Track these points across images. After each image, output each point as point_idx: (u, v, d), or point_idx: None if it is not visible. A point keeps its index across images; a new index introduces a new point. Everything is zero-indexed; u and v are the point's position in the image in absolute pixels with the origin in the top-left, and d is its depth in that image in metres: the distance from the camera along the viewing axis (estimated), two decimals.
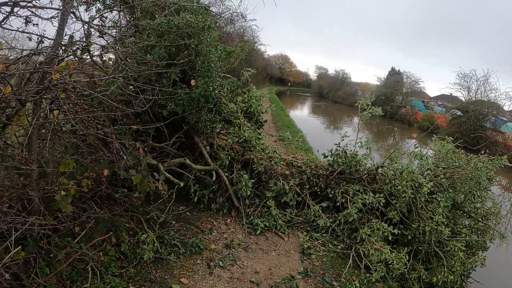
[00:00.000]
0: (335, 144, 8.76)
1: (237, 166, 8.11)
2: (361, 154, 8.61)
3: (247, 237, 7.53)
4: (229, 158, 7.99)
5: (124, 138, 6.48)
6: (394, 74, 64.61)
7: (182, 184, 6.79)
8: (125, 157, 5.76)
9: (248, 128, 8.31)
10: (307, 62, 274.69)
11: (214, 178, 7.67)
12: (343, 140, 8.75)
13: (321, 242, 7.75)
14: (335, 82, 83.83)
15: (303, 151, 15.12)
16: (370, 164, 8.65)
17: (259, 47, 51.34)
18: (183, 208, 7.99)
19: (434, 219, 7.52)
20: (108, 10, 8.26)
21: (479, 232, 8.67)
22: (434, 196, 7.91)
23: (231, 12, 21.12)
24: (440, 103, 61.23)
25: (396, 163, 8.24)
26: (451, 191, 8.05)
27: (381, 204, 7.75)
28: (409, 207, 7.91)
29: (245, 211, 8.04)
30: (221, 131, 8.37)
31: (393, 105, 49.89)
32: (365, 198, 7.72)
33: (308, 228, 8.12)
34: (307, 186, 8.46)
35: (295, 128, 24.25)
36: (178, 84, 7.37)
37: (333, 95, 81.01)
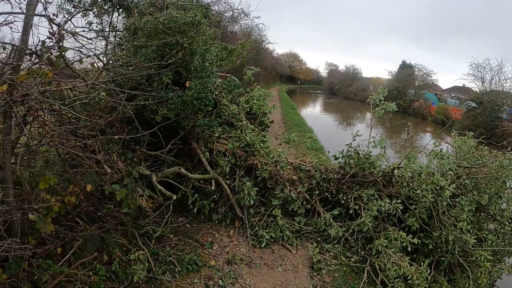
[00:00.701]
0: (346, 144, 8.05)
1: (240, 173, 7.48)
2: (375, 155, 7.88)
3: (251, 251, 6.89)
4: (230, 164, 7.38)
5: (113, 148, 5.92)
6: (405, 68, 63.30)
7: (175, 197, 6.14)
8: (109, 169, 5.18)
9: (251, 131, 7.66)
10: (317, 60, 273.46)
11: (213, 187, 7.04)
12: (354, 139, 8.02)
13: (332, 255, 7.05)
14: (345, 78, 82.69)
15: (314, 152, 14.48)
16: (385, 165, 7.91)
17: (267, 45, 50.88)
18: (183, 220, 7.42)
19: (458, 226, 6.79)
20: (104, 13, 7.78)
21: (506, 237, 7.89)
22: (456, 199, 7.14)
23: (232, 9, 20.58)
24: (453, 95, 59.98)
25: (413, 163, 7.47)
26: (475, 193, 7.30)
27: (399, 211, 7.01)
28: (429, 213, 7.15)
29: (250, 221, 7.41)
30: (222, 135, 7.75)
31: (406, 99, 48.60)
32: (380, 205, 6.97)
33: (319, 239, 7.44)
34: (316, 192, 7.75)
35: (305, 127, 23.46)
36: (170, 87, 6.77)
37: (344, 91, 79.97)
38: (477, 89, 38.86)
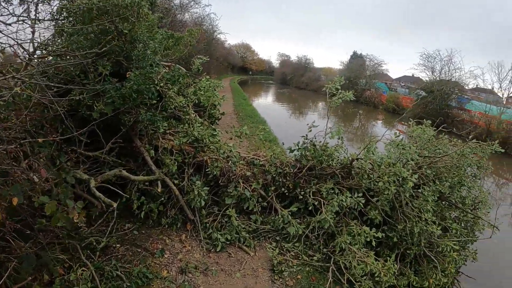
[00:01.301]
0: (302, 136, 7.61)
1: (189, 171, 6.86)
2: (333, 146, 7.49)
3: (206, 256, 6.31)
4: (178, 162, 6.74)
5: (43, 152, 5.18)
6: (356, 58, 64.28)
7: (115, 205, 5.36)
8: (36, 178, 4.46)
9: (200, 125, 7.06)
10: (271, 50, 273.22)
11: (160, 189, 6.39)
12: (310, 130, 7.58)
13: (293, 254, 6.60)
14: (298, 68, 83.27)
15: (268, 143, 14.01)
16: (344, 156, 7.57)
17: (218, 36, 50.08)
18: (130, 226, 6.69)
19: (422, 218, 6.54)
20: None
21: (469, 224, 7.76)
22: (419, 190, 6.89)
23: None
24: (403, 84, 61.66)
25: (373, 154, 7.13)
26: (437, 183, 7.09)
27: (361, 205, 6.67)
28: (391, 205, 6.85)
29: (202, 223, 6.84)
30: (168, 131, 7.11)
31: (358, 89, 49.31)
32: (341, 200, 6.57)
33: (278, 238, 6.97)
34: (272, 188, 7.26)
35: (258, 118, 23.00)
36: (107, 78, 6.08)
37: (296, 81, 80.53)
38: (427, 79, 39.98)
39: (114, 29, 6.24)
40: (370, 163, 7.00)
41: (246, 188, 6.95)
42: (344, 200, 6.52)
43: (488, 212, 7.79)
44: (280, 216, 6.94)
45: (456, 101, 35.99)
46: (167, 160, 6.54)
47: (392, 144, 7.17)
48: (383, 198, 6.73)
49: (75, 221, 4.35)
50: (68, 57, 6.27)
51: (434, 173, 7.26)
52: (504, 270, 9.18)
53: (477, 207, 7.81)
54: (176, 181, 6.73)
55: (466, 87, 37.90)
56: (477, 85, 38.46)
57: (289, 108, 44.78)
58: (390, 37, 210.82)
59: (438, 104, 34.35)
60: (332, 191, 6.89)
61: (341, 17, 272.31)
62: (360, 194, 6.65)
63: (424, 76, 41.06)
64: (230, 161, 7.09)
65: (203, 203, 6.55)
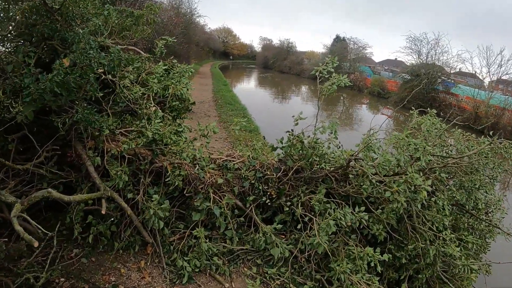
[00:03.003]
0: (287, 132, 6.15)
1: (145, 181, 5.40)
2: (324, 142, 6.07)
3: None
4: (129, 171, 5.28)
5: None
6: (340, 41, 62.75)
7: (36, 244, 3.90)
8: None
9: (160, 121, 5.55)
10: (251, 35, 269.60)
11: (103, 210, 4.87)
12: (297, 123, 6.00)
13: (279, 284, 5.22)
14: (280, 52, 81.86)
15: (246, 139, 12.56)
16: (338, 155, 6.17)
17: (197, 19, 48.21)
18: (77, 252, 5.23)
19: (438, 236, 5.25)
20: None
21: (482, 234, 6.48)
22: (431, 198, 5.58)
23: None
24: (386, 67, 60.90)
25: (374, 152, 5.73)
26: (453, 189, 5.79)
27: (364, 221, 5.27)
28: (398, 216, 5.56)
29: (166, 245, 5.45)
30: (120, 130, 5.62)
31: (341, 72, 47.71)
32: (340, 219, 5.12)
33: (259, 261, 5.57)
34: (251, 198, 5.84)
35: (238, 105, 21.49)
36: (27, 69, 4.55)
37: (279, 65, 79.22)
38: (413, 62, 38.95)
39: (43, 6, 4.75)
40: (373, 166, 5.57)
41: (217, 200, 5.51)
42: (343, 218, 5.08)
43: (503, 218, 6.55)
44: (261, 234, 5.53)
45: (443, 85, 35.02)
46: (112, 171, 5.03)
47: (395, 138, 5.71)
48: (389, 210, 5.39)
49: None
50: None
51: (448, 177, 5.94)
52: None
53: (489, 211, 6.56)
54: (130, 195, 5.27)
55: (450, 71, 36.94)
56: (460, 69, 37.66)
57: (272, 93, 43.24)
58: (370, 22, 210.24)
59: (425, 88, 33.30)
60: (327, 204, 5.48)
61: (323, 1, 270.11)
62: (363, 209, 5.24)
63: (410, 59, 39.85)
64: (198, 166, 5.63)
65: (161, 224, 5.10)
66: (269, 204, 5.88)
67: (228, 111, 18.52)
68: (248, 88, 45.57)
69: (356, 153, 5.84)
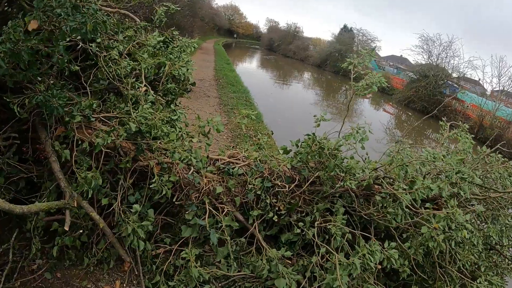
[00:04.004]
0: (307, 135, 5.02)
1: (126, 184, 4.29)
2: (346, 152, 4.92)
3: None
4: (109, 167, 4.18)
5: None
6: (347, 31, 61.02)
7: None
8: None
9: (150, 106, 4.40)
10: (258, 15, 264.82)
11: (66, 227, 3.69)
12: (318, 125, 4.90)
13: None
14: (286, 36, 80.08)
15: (249, 122, 11.39)
16: (361, 166, 5.03)
17: None
18: (40, 264, 4.18)
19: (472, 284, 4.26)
20: None
21: (503, 272, 5.48)
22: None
23: None
24: (391, 63, 59.58)
25: (406, 170, 4.64)
26: (491, 226, 4.77)
27: (393, 261, 4.17)
28: (425, 250, 4.52)
29: (146, 263, 4.41)
30: (98, 116, 4.45)
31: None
32: (368, 259, 3.98)
33: None
34: (255, 213, 4.75)
35: (241, 87, 20.21)
36: None
37: (284, 49, 77.43)
38: (423, 62, 37.57)
39: None
40: (404, 188, 4.46)
41: (214, 213, 4.42)
42: (370, 258, 4.00)
43: None
44: (265, 261, 4.45)
45: (450, 89, 33.82)
46: (80, 175, 3.86)
47: (445, 165, 4.59)
48: (419, 244, 4.37)
49: None
50: None
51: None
52: None
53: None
54: (105, 200, 4.16)
55: (459, 75, 35.65)
56: (463, 74, 36.39)
57: (274, 76, 41.86)
58: (376, 16, 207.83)
59: (431, 90, 32.08)
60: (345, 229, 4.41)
61: None
62: (393, 245, 4.19)
63: (420, 59, 38.43)
64: (192, 169, 4.51)
65: (142, 245, 4.01)
66: (275, 220, 4.80)
67: (230, 93, 17.33)
68: (251, 69, 44.22)
69: (384, 173, 4.78)
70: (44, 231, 4.12)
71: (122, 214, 4.03)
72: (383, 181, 4.78)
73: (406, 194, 4.35)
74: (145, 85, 4.63)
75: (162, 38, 5.31)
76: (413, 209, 4.43)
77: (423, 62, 36.89)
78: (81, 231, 4.16)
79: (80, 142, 4.02)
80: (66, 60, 3.68)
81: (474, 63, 37.75)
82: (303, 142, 5.03)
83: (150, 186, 4.15)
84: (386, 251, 4.12)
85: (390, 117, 30.48)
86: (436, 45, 35.88)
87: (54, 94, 3.51)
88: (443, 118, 6.04)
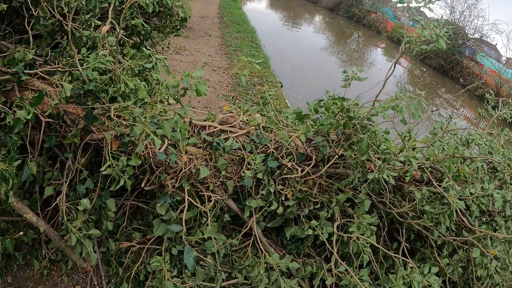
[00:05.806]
0: (329, 96, 3.63)
1: (74, 166, 3.02)
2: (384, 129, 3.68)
3: None
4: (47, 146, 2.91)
5: None
6: None
7: None
8: None
9: (109, 51, 3.04)
10: None
11: None
12: (349, 85, 3.53)
13: None
14: None
15: (254, 68, 9.98)
16: (407, 158, 3.70)
17: None
18: None
19: None
20: None
21: None
22: None
23: None
24: (407, 14, 56.45)
25: (463, 175, 3.38)
26: None
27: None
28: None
29: (112, 261, 3.30)
30: (42, 68, 3.12)
31: (362, 9, 43.61)
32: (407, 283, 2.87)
33: None
34: (253, 204, 3.47)
35: (247, 26, 18.46)
36: None
37: None
38: (445, 17, 35.13)
39: None
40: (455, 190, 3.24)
41: (196, 204, 3.18)
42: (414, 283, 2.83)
43: None
44: (262, 268, 3.27)
45: (470, 50, 31.72)
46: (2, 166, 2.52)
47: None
48: (458, 261, 3.38)
49: None
50: None
51: None
52: None
53: None
54: (49, 190, 2.96)
55: (481, 37, 33.43)
56: (481, 36, 34.18)
57: (284, 17, 39.47)
58: None
59: (450, 49, 30.02)
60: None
61: None
62: (435, 270, 3.05)
63: (440, 14, 35.93)
64: (166, 142, 3.18)
65: (94, 258, 2.81)
66: (278, 214, 3.58)
67: (234, 32, 15.74)
68: (259, 8, 41.73)
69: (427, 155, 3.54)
70: None
71: (67, 213, 2.80)
72: (427, 171, 3.54)
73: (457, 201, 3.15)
74: (111, 21, 3.21)
75: None
76: (467, 224, 3.21)
77: (444, 18, 34.55)
78: (21, 233, 3.00)
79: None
80: None
81: (499, 27, 35.49)
82: (323, 105, 3.71)
83: (101, 171, 2.86)
84: (431, 279, 2.94)
85: (403, 71, 28.71)
86: (460, 1, 33.37)
87: None
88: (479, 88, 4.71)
